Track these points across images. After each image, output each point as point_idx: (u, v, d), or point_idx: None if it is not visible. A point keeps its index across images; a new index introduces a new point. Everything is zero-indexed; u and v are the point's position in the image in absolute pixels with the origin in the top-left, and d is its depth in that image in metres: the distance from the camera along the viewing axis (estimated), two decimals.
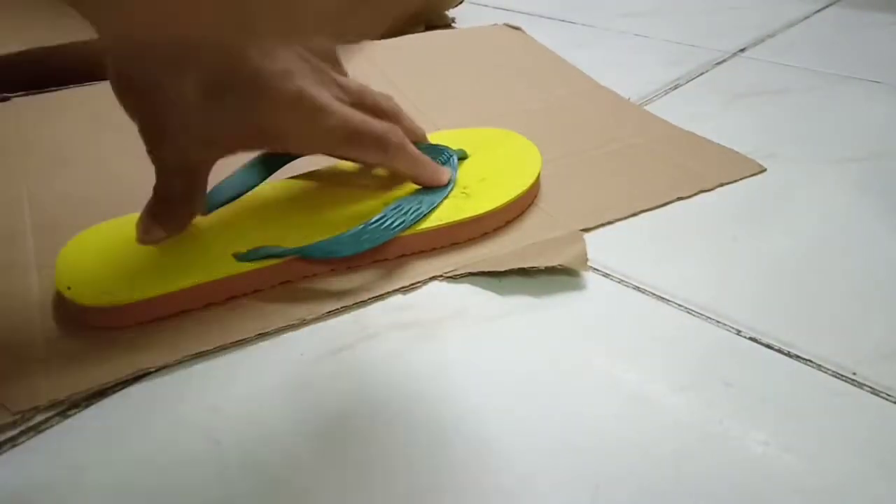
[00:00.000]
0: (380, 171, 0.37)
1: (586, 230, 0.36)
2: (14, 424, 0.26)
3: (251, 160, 0.35)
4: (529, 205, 0.38)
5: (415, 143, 0.35)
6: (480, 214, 0.35)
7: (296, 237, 0.32)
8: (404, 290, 0.32)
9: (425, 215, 0.34)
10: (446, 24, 0.69)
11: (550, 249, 0.34)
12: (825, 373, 0.28)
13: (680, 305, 0.32)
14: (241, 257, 0.31)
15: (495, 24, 0.66)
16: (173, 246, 0.32)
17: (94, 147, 0.43)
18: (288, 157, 0.35)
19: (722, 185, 0.40)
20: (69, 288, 0.29)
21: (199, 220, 0.33)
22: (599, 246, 0.35)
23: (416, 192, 0.35)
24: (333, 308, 0.31)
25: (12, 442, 0.25)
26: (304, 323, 0.31)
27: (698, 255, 0.35)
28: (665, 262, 0.34)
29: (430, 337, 0.30)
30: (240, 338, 0.29)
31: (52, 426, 0.26)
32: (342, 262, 0.33)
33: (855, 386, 0.27)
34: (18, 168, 0.41)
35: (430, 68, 0.56)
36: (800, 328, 0.30)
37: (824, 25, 0.69)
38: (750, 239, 0.36)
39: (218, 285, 0.31)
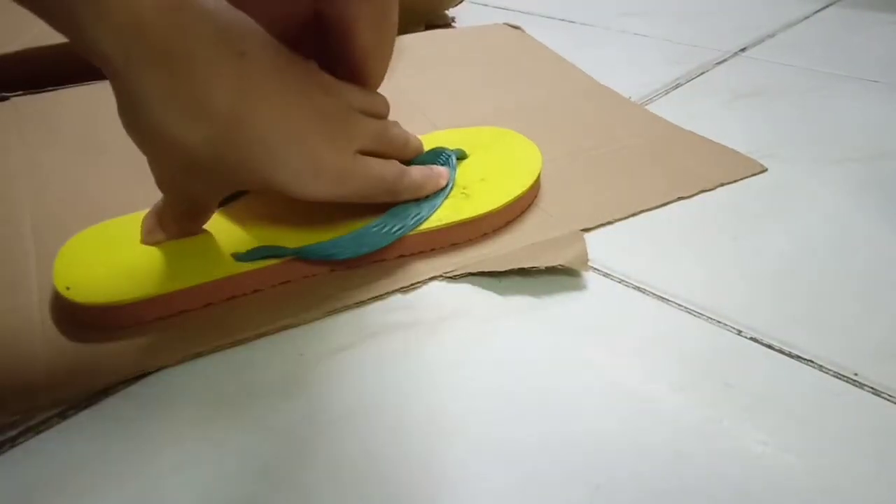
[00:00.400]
0: None
1: (586, 230, 0.36)
2: (14, 424, 0.26)
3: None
4: (529, 205, 0.38)
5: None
6: (480, 215, 0.35)
7: (296, 238, 0.32)
8: (404, 290, 0.32)
9: (426, 218, 0.34)
10: (446, 23, 0.69)
11: (550, 249, 0.34)
12: (826, 373, 0.28)
13: (680, 305, 0.32)
14: (240, 257, 0.31)
15: (495, 24, 0.66)
16: (173, 246, 0.32)
17: (93, 147, 0.43)
18: None
19: (722, 185, 0.40)
20: (68, 288, 0.29)
21: None
22: (599, 246, 0.35)
23: None
24: (333, 308, 0.31)
25: (12, 442, 0.25)
26: (304, 323, 0.30)
27: (698, 255, 0.35)
28: (665, 262, 0.34)
29: (430, 337, 0.30)
30: (240, 338, 0.29)
31: (51, 426, 0.26)
32: (342, 262, 0.33)
33: (856, 386, 0.27)
34: (18, 168, 0.41)
35: (430, 68, 0.56)
36: (800, 328, 0.30)
37: (824, 25, 0.69)
38: (750, 239, 0.36)
39: (218, 285, 0.31)
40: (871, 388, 0.27)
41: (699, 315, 0.31)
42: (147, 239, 0.32)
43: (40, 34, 0.52)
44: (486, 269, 0.33)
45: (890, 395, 0.27)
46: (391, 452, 0.25)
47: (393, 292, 0.32)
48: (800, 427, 0.26)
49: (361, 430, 0.26)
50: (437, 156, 0.37)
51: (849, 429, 0.26)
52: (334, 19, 0.30)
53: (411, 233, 0.33)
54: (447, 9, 0.69)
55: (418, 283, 0.33)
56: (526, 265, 0.33)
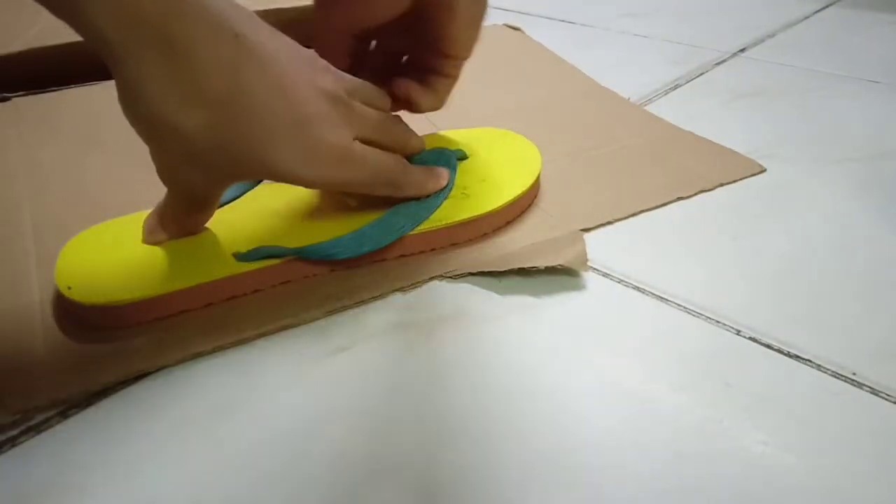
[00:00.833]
0: None
1: (586, 230, 0.36)
2: (14, 424, 0.26)
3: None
4: (529, 205, 0.38)
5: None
6: (480, 215, 0.35)
7: (296, 238, 0.32)
8: (404, 290, 0.32)
9: (426, 218, 0.34)
10: None
11: (550, 249, 0.34)
12: (825, 373, 0.28)
13: (680, 305, 0.32)
14: (241, 257, 0.31)
15: (495, 25, 0.66)
16: (174, 246, 0.32)
17: (94, 147, 0.43)
18: None
19: (722, 185, 0.40)
20: (70, 287, 0.29)
21: None
22: (599, 246, 0.35)
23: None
24: (333, 308, 0.31)
25: (12, 442, 0.25)
26: (304, 323, 0.31)
27: (698, 255, 0.35)
28: (665, 262, 0.34)
29: (430, 337, 0.30)
30: (240, 338, 0.29)
31: (51, 426, 0.26)
32: (342, 262, 0.33)
33: (855, 386, 0.27)
34: (18, 168, 0.41)
35: None
36: (800, 328, 0.30)
37: (824, 25, 0.69)
38: (750, 239, 0.36)
39: (218, 285, 0.31)
40: (870, 387, 0.27)
41: (699, 315, 0.31)
42: (148, 239, 0.32)
43: (41, 34, 0.52)
44: (486, 269, 0.33)
45: (888, 395, 0.27)
46: (391, 452, 0.25)
47: (393, 292, 0.32)
48: (799, 427, 0.26)
49: (361, 429, 0.26)
50: (438, 156, 0.37)
51: (847, 428, 0.26)
52: None
53: (411, 233, 0.33)
54: None
55: (418, 283, 0.33)
56: (526, 265, 0.33)
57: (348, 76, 0.32)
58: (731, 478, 0.24)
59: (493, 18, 0.67)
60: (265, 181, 0.35)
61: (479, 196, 0.36)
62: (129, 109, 0.27)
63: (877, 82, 0.55)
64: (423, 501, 0.23)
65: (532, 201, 0.38)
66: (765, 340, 0.30)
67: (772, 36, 0.66)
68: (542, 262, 0.33)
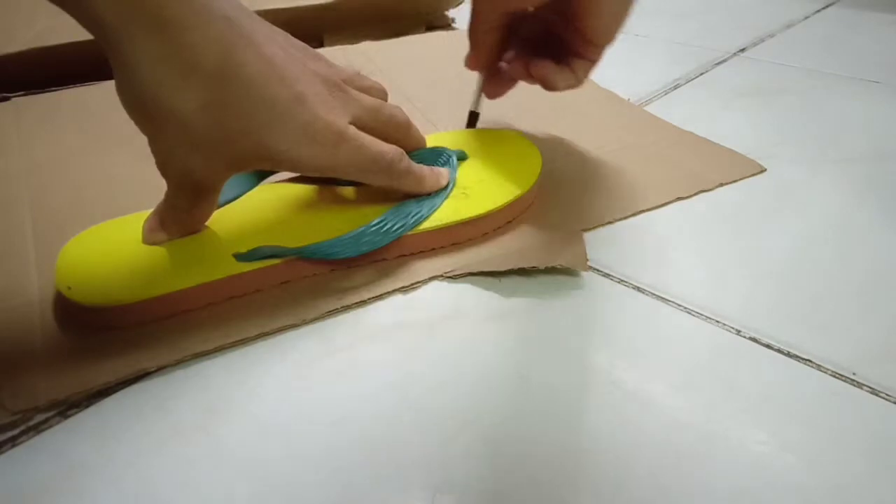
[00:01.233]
0: None
1: (586, 230, 0.36)
2: (14, 424, 0.26)
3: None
4: (529, 205, 0.38)
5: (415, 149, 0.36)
6: (480, 215, 0.35)
7: (296, 238, 0.32)
8: (404, 290, 0.32)
9: (426, 218, 0.34)
10: (447, 24, 0.69)
11: (550, 249, 0.34)
12: (825, 373, 0.28)
13: (680, 305, 0.32)
14: (241, 257, 0.31)
15: None
16: (174, 246, 0.32)
17: (94, 147, 0.43)
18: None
19: (722, 185, 0.40)
20: (69, 288, 0.29)
21: None
22: (600, 246, 0.35)
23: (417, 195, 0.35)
24: (333, 308, 0.31)
25: (12, 442, 0.25)
26: (304, 323, 0.31)
27: (698, 255, 0.35)
28: (665, 261, 0.35)
29: (430, 337, 0.30)
30: (240, 338, 0.29)
31: (51, 426, 0.26)
32: (342, 262, 0.33)
33: (854, 386, 0.28)
34: (18, 168, 0.41)
35: (430, 68, 0.56)
36: (800, 328, 0.30)
37: (824, 25, 0.69)
38: (750, 239, 0.36)
39: (218, 285, 0.31)
40: (870, 387, 0.27)
41: (699, 315, 0.31)
42: (148, 238, 0.32)
43: (40, 34, 0.52)
44: (486, 269, 0.33)
45: (888, 395, 0.27)
46: (391, 452, 0.25)
47: (393, 292, 0.32)
48: (799, 427, 0.26)
49: (361, 430, 0.26)
50: (438, 156, 0.37)
51: (847, 428, 0.26)
52: None
53: (411, 232, 0.33)
54: (447, 10, 0.70)
55: (418, 283, 0.33)
56: (526, 265, 0.33)
57: (370, 99, 0.33)
58: (731, 478, 0.24)
59: None
60: (265, 182, 0.35)
61: (479, 196, 0.36)
62: (126, 95, 0.27)
63: (877, 82, 0.55)
64: (426, 501, 0.23)
65: (532, 201, 0.38)
66: (765, 340, 0.30)
67: (772, 36, 0.66)
68: (542, 262, 0.33)
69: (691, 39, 0.65)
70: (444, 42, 0.63)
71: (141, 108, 0.27)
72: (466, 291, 0.33)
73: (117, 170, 0.41)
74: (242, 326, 0.30)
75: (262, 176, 0.35)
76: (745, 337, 0.30)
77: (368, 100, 0.33)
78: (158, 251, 0.32)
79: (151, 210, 0.33)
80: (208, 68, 0.27)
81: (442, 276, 0.33)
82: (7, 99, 0.49)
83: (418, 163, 0.36)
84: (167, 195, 0.31)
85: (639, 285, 0.33)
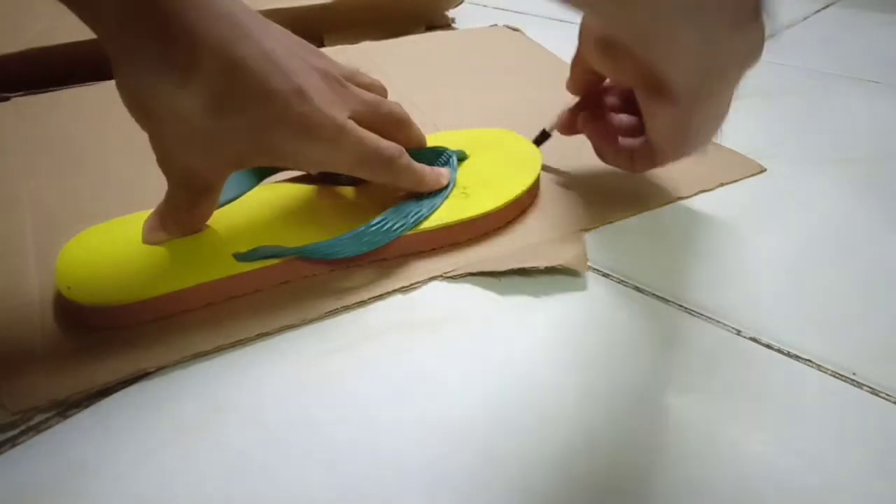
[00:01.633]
0: None
1: (586, 230, 0.36)
2: (14, 424, 0.26)
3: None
4: (529, 205, 0.38)
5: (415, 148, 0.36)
6: (480, 215, 0.35)
7: (296, 238, 0.32)
8: (404, 290, 0.32)
9: (426, 217, 0.34)
10: (446, 24, 0.69)
11: (550, 249, 0.34)
12: (825, 373, 0.28)
13: (680, 305, 0.32)
14: (241, 257, 0.31)
15: (495, 25, 0.66)
16: (174, 246, 0.32)
17: (94, 147, 0.43)
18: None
19: (722, 184, 0.40)
20: (69, 287, 0.29)
21: None
22: (600, 246, 0.35)
23: (417, 194, 0.35)
24: (333, 308, 0.31)
25: (12, 442, 0.25)
26: (304, 323, 0.31)
27: (698, 255, 0.35)
28: (665, 262, 0.34)
29: (430, 337, 0.30)
30: (240, 338, 0.29)
31: (51, 426, 0.26)
32: (342, 262, 0.33)
33: (854, 386, 0.28)
34: (18, 168, 0.41)
35: (430, 68, 0.56)
36: (799, 328, 0.30)
37: (824, 25, 0.69)
38: (750, 239, 0.36)
39: (218, 285, 0.31)
40: (870, 387, 0.27)
41: (699, 315, 0.31)
42: (149, 238, 0.32)
43: (41, 34, 0.52)
44: (486, 269, 0.33)
45: (888, 395, 0.27)
46: (391, 452, 0.25)
47: (393, 292, 0.32)
48: (799, 427, 0.26)
49: (361, 430, 0.26)
50: (438, 156, 0.37)
51: (847, 428, 0.26)
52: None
53: (411, 232, 0.33)
54: (447, 10, 0.70)
55: (418, 283, 0.33)
56: (526, 265, 0.33)
57: (370, 95, 0.33)
58: (731, 478, 0.24)
59: (492, 18, 0.68)
60: (265, 182, 0.35)
61: (479, 196, 0.36)
62: (126, 92, 0.27)
63: (877, 82, 0.55)
64: (426, 502, 0.23)
65: (532, 201, 0.38)
66: (765, 340, 0.30)
67: (771, 36, 0.66)
68: (542, 262, 0.33)
69: None
70: (444, 42, 0.63)
71: (141, 106, 0.27)
72: (466, 291, 0.33)
73: (117, 170, 0.41)
74: (242, 326, 0.30)
75: (262, 176, 0.35)
76: (745, 337, 0.30)
77: (368, 95, 0.33)
78: (158, 251, 0.32)
79: (151, 210, 0.33)
80: (208, 64, 0.27)
81: (442, 276, 0.33)
82: (7, 99, 0.49)
83: (419, 163, 0.36)
84: (168, 194, 0.31)
85: (639, 285, 0.33)
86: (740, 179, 0.41)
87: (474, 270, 0.33)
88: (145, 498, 0.23)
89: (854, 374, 0.28)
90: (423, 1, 0.66)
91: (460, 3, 0.70)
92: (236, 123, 0.28)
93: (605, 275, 0.34)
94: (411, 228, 0.33)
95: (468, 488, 0.24)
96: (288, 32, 0.31)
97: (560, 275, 0.33)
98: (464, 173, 0.37)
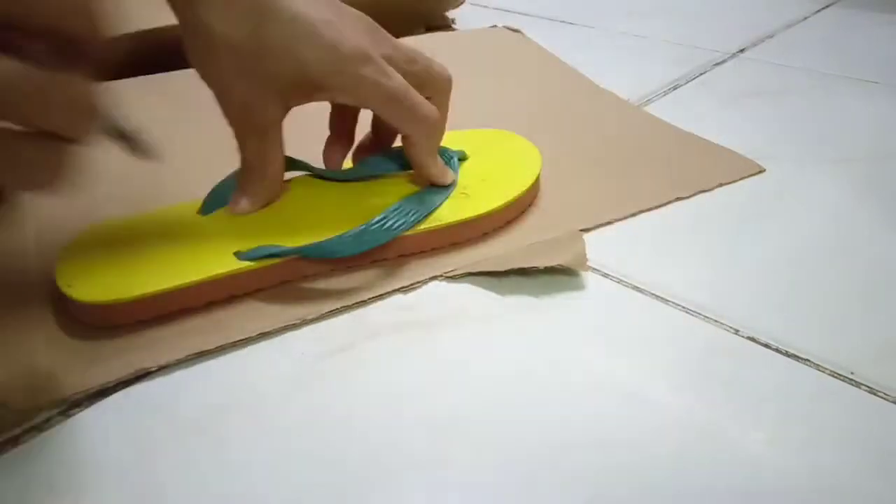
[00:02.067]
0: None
1: (586, 230, 0.36)
2: (15, 424, 0.26)
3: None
4: (529, 205, 0.38)
5: None
6: (480, 215, 0.35)
7: (296, 237, 0.32)
8: (404, 290, 0.33)
9: (426, 216, 0.34)
10: (446, 25, 0.69)
11: (550, 249, 0.34)
12: (823, 372, 0.28)
13: (680, 305, 0.32)
14: (241, 256, 0.31)
15: (495, 26, 0.66)
16: (174, 244, 0.32)
17: (94, 146, 0.43)
18: (290, 164, 0.36)
19: (722, 185, 0.41)
20: (70, 286, 0.29)
21: (199, 219, 0.34)
22: (599, 246, 0.35)
23: (418, 193, 0.35)
24: (333, 308, 0.31)
25: (13, 441, 0.25)
26: (304, 323, 0.31)
27: (698, 255, 0.35)
28: (665, 262, 0.35)
29: (430, 337, 0.30)
30: (240, 338, 0.30)
31: (52, 426, 0.26)
32: (342, 261, 0.33)
33: (853, 385, 0.28)
34: None
35: None
36: (798, 328, 0.30)
37: (824, 25, 0.70)
38: (749, 239, 0.36)
39: (218, 284, 0.31)
40: (869, 387, 0.27)
41: (698, 315, 0.31)
42: (234, 208, 0.34)
43: None
44: (486, 269, 0.33)
45: (887, 395, 0.27)
46: (391, 452, 0.25)
47: (393, 292, 0.32)
48: (798, 426, 0.26)
49: (361, 430, 0.26)
50: (440, 154, 0.37)
51: (847, 428, 0.26)
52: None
53: (411, 233, 0.33)
54: (447, 11, 0.70)
55: (418, 283, 0.33)
56: (526, 265, 0.33)
57: (407, 46, 0.34)
58: (730, 477, 0.24)
59: (492, 19, 0.68)
60: None
61: (479, 196, 0.36)
62: (193, 38, 0.31)
63: (877, 82, 0.55)
64: (421, 501, 0.23)
65: (532, 201, 0.38)
66: (764, 340, 0.30)
67: (771, 36, 0.66)
68: (542, 262, 0.33)
69: (691, 39, 0.65)
70: (444, 43, 0.63)
71: (199, 42, 0.30)
72: (466, 291, 0.33)
73: (117, 168, 0.40)
74: (242, 326, 0.30)
75: None
76: (744, 337, 0.30)
77: (405, 46, 0.33)
78: (159, 249, 0.32)
79: (152, 209, 0.33)
80: (257, 8, 0.30)
81: (442, 276, 0.33)
82: None
83: None
84: (240, 154, 0.33)
85: (639, 285, 0.33)
86: (740, 179, 0.41)
87: (474, 270, 0.33)
88: (145, 498, 0.24)
89: (852, 373, 0.28)
90: (423, 2, 0.66)
91: (460, 3, 0.70)
92: (276, 45, 0.30)
93: (605, 275, 0.34)
94: (412, 227, 0.33)
95: (469, 487, 0.24)
96: None
97: (560, 275, 0.33)
98: (464, 173, 0.37)
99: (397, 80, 0.32)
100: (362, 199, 0.36)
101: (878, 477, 0.24)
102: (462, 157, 0.39)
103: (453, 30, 0.69)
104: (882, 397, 0.27)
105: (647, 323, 0.31)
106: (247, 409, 0.27)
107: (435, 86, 0.34)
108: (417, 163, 0.35)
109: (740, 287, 0.33)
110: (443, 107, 0.35)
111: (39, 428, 0.26)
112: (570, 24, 0.71)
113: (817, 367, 0.28)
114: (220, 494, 0.24)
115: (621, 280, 0.33)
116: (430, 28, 0.68)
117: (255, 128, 0.32)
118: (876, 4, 0.74)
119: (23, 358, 0.28)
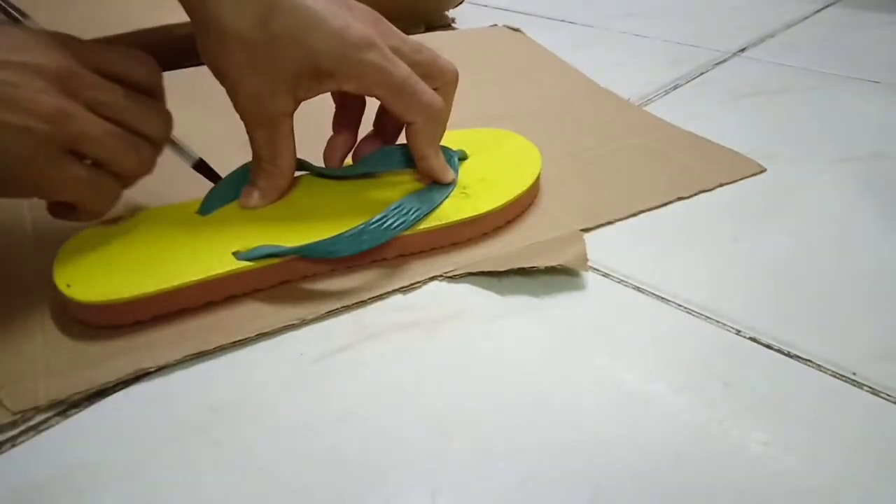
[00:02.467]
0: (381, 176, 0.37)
1: (586, 230, 0.36)
2: (14, 424, 0.26)
3: (252, 161, 0.35)
4: (529, 205, 0.38)
5: None
6: (480, 214, 0.35)
7: (296, 237, 0.32)
8: (404, 290, 0.32)
9: (426, 215, 0.34)
10: (446, 24, 0.69)
11: (550, 249, 0.34)
12: (825, 373, 0.28)
13: (680, 305, 0.32)
14: (241, 256, 0.31)
15: (495, 25, 0.66)
16: (173, 244, 0.32)
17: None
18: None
19: (722, 185, 0.41)
20: (69, 285, 0.29)
21: (198, 218, 0.33)
22: (599, 246, 0.35)
23: (417, 192, 0.35)
24: (333, 308, 0.31)
25: (12, 442, 0.25)
26: (304, 323, 0.31)
27: (698, 255, 0.35)
28: (665, 262, 0.35)
29: (430, 337, 0.30)
30: (240, 338, 0.29)
31: (51, 426, 0.26)
32: (342, 261, 0.33)
33: (854, 386, 0.28)
34: None
35: None
36: (799, 328, 0.30)
37: (824, 25, 0.70)
38: (750, 239, 0.36)
39: (218, 283, 0.31)
40: (870, 387, 0.27)
41: (699, 315, 0.31)
42: (244, 202, 0.34)
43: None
44: (486, 269, 0.33)
45: (888, 395, 0.27)
46: (391, 452, 0.25)
47: (393, 292, 0.32)
48: (799, 426, 0.26)
49: (361, 430, 0.26)
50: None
51: (847, 428, 0.26)
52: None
53: (411, 232, 0.33)
54: (447, 10, 0.70)
55: (418, 283, 0.33)
56: (526, 265, 0.33)
57: (414, 39, 0.34)
58: (731, 477, 0.24)
59: (492, 18, 0.68)
60: None
61: (480, 196, 0.36)
62: (205, 34, 0.31)
63: (877, 82, 0.55)
64: (426, 500, 0.23)
65: (532, 201, 0.38)
66: (765, 340, 0.30)
67: (772, 36, 0.66)
68: (542, 262, 0.33)
69: (691, 39, 0.65)
70: (444, 42, 0.63)
71: (210, 37, 0.31)
72: (466, 291, 0.33)
73: None
74: (242, 326, 0.30)
75: None
76: (745, 337, 0.30)
77: (411, 39, 0.33)
78: (158, 249, 0.32)
79: (150, 209, 0.33)
80: (267, 3, 0.30)
81: (442, 276, 0.33)
82: None
83: None
84: (252, 148, 0.33)
85: (639, 285, 0.33)
86: (740, 179, 0.41)
87: (474, 270, 0.33)
88: (145, 497, 0.23)
89: (854, 374, 0.28)
90: (423, 1, 0.66)
91: (460, 3, 0.70)
92: (285, 35, 0.30)
93: (605, 275, 0.34)
94: (411, 226, 0.33)
95: (469, 486, 0.24)
96: None
97: (560, 275, 0.33)
98: (464, 173, 0.37)
99: (403, 67, 0.32)
100: (362, 197, 0.36)
101: (880, 477, 0.24)
102: (462, 157, 0.39)
103: (453, 29, 0.69)
104: (884, 398, 0.27)
105: (647, 323, 0.31)
106: (246, 409, 0.27)
107: (442, 77, 0.34)
108: (420, 153, 0.35)
109: (741, 287, 0.33)
110: (448, 98, 0.35)
111: (38, 429, 0.26)
112: (571, 23, 0.71)
113: (819, 367, 0.28)
114: (220, 494, 0.24)
115: (622, 280, 0.33)
116: (431, 27, 0.68)
117: (265, 120, 0.33)
118: (876, 4, 0.74)
119: (21, 358, 0.28)
